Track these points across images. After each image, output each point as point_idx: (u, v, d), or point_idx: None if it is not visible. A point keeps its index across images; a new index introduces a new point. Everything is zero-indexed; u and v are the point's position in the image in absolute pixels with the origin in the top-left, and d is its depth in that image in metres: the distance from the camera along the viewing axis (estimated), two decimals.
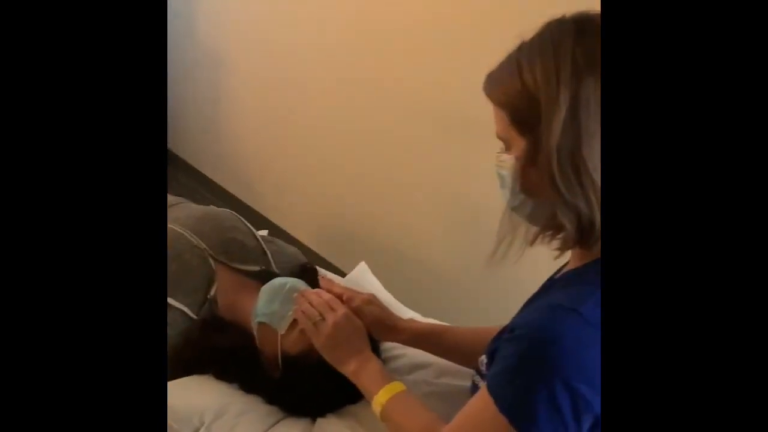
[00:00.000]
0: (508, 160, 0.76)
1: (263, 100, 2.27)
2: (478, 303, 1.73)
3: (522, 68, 0.71)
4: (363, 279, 1.40)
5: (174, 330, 1.08)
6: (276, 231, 2.12)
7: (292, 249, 1.36)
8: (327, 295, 1.04)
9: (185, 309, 1.10)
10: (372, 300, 1.08)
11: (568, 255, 0.87)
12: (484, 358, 0.83)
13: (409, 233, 1.93)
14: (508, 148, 0.77)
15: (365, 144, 1.96)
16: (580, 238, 0.71)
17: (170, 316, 1.08)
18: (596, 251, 0.73)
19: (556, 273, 0.90)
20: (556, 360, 0.66)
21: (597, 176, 0.67)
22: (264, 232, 1.46)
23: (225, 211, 1.34)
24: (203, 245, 1.20)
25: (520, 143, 0.74)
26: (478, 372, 0.85)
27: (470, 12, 1.52)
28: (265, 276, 1.23)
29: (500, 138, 0.78)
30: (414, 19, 1.65)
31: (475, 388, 0.87)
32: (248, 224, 1.33)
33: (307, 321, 1.00)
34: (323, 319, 0.99)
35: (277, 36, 2.11)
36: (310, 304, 1.02)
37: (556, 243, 0.78)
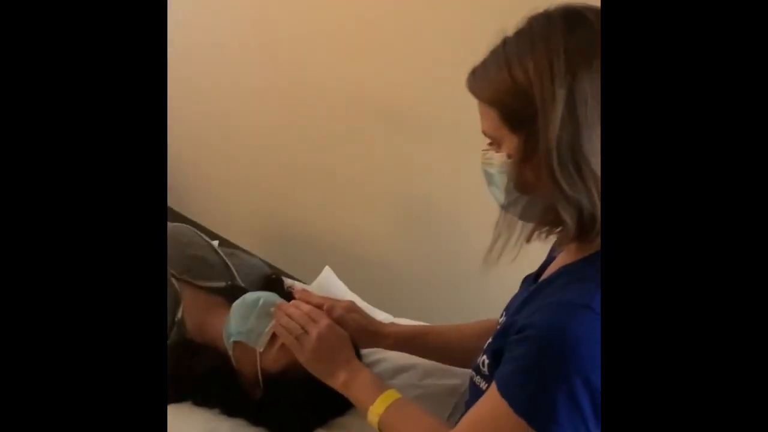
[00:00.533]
0: (498, 158, 0.75)
1: (190, 103, 2.18)
2: (435, 297, 1.74)
3: (511, 64, 0.70)
4: (330, 284, 1.36)
5: None
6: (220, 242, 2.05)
7: (254, 260, 1.31)
8: (306, 307, 1.00)
9: None
10: (352, 307, 1.06)
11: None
12: (485, 359, 0.82)
13: (359, 233, 1.91)
14: (497, 146, 0.76)
15: (304, 145, 1.91)
16: (580, 233, 0.71)
17: None
18: (596, 245, 0.73)
19: (542, 269, 0.90)
20: (574, 357, 0.65)
21: (598, 169, 0.67)
22: (214, 243, 1.40)
23: (180, 226, 1.27)
24: None
25: (512, 140, 0.72)
26: (479, 372, 0.84)
27: (410, 7, 1.50)
28: (231, 291, 1.18)
29: (488, 135, 0.77)
30: (353, 15, 1.62)
31: (475, 388, 0.86)
32: (206, 238, 1.27)
33: (289, 335, 0.96)
34: (305, 332, 0.96)
35: (200, 38, 2.02)
36: (290, 317, 0.98)
37: (552, 238, 0.78)
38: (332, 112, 1.79)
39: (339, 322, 1.00)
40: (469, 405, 0.90)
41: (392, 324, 1.09)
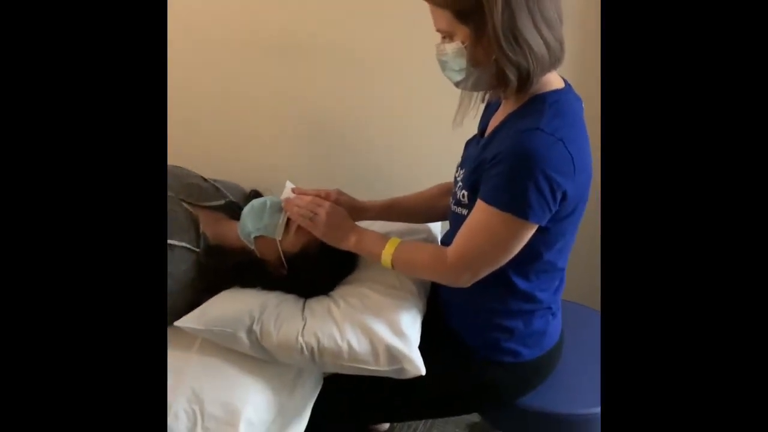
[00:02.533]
0: (451, 47, 1.06)
1: None
2: None
3: None
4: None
5: (186, 263, 1.24)
6: None
7: (232, 183, 1.54)
8: (307, 198, 1.28)
9: (187, 245, 1.26)
10: (341, 192, 1.35)
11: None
12: (464, 192, 1.15)
13: (273, 165, 2.10)
14: (450, 38, 1.07)
15: (203, 86, 2.01)
16: (520, 86, 1.05)
17: (178, 253, 1.24)
18: (528, 94, 1.08)
19: (482, 132, 1.24)
20: (533, 160, 0.99)
21: (529, 38, 1.00)
22: None
23: (169, 165, 1.46)
24: (172, 193, 1.34)
25: (464, 31, 1.04)
26: (459, 204, 1.17)
27: None
28: (230, 207, 1.42)
29: (442, 31, 1.07)
30: None
31: (456, 216, 1.19)
32: (192, 171, 1.48)
33: (304, 219, 1.24)
34: (315, 214, 1.24)
35: None
36: (299, 207, 1.26)
37: (498, 94, 1.12)
38: (227, 49, 1.90)
39: (336, 203, 1.29)
40: (450, 233, 1.25)
41: (370, 201, 1.40)
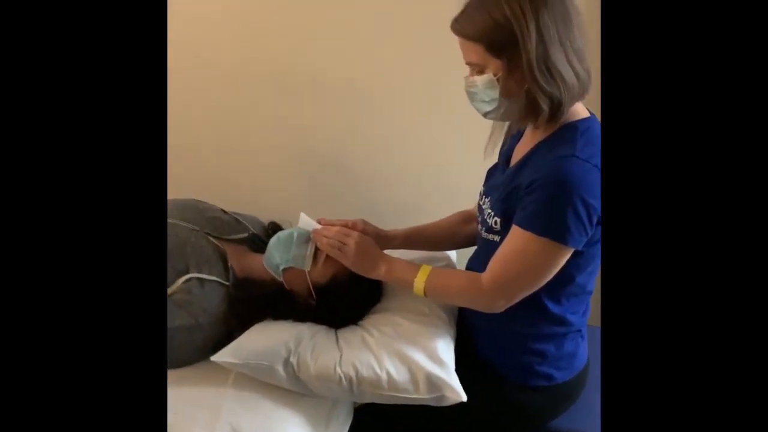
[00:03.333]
0: (481, 79, 1.10)
1: None
2: None
3: (491, 10, 1.04)
4: (309, 225, 1.63)
5: (218, 297, 1.24)
6: None
7: (250, 215, 1.54)
8: (335, 228, 1.29)
9: (217, 278, 1.26)
10: (366, 222, 1.36)
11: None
12: (496, 219, 1.18)
13: (275, 196, 2.11)
14: (480, 71, 1.10)
15: (203, 121, 2.01)
16: (552, 115, 1.09)
17: (209, 287, 1.23)
18: (558, 123, 1.12)
19: (506, 160, 1.27)
20: (572, 185, 1.03)
21: (562, 70, 1.04)
22: None
23: (190, 199, 1.46)
24: (197, 227, 1.34)
25: (496, 64, 1.07)
26: (491, 231, 1.20)
27: None
28: (252, 239, 1.42)
29: (473, 64, 1.11)
30: None
31: (486, 243, 1.21)
32: (211, 204, 1.48)
33: (333, 249, 1.25)
34: (344, 244, 1.25)
35: None
36: (327, 237, 1.27)
37: (527, 123, 1.15)
38: (231, 80, 1.92)
39: (362, 233, 1.30)
40: (478, 259, 1.27)
41: (394, 230, 1.42)
